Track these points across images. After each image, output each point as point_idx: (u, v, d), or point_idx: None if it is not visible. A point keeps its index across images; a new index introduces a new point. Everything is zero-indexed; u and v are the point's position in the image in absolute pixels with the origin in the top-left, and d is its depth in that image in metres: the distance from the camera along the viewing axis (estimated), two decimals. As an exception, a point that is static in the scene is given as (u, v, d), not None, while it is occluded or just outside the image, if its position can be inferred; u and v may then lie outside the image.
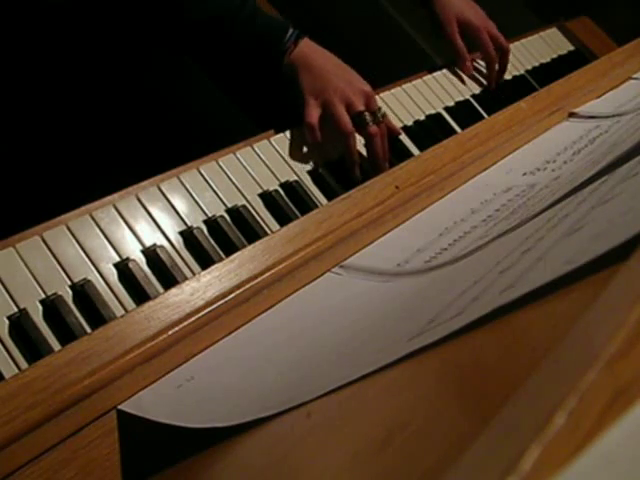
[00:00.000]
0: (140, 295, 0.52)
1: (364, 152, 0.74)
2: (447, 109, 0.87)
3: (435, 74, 0.91)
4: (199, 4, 0.68)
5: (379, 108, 0.73)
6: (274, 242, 0.51)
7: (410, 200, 0.60)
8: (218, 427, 0.32)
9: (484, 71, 0.96)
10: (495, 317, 0.25)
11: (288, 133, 0.71)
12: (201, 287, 0.46)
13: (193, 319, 0.44)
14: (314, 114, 0.69)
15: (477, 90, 0.94)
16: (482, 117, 0.89)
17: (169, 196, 0.60)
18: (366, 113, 0.70)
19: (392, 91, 0.84)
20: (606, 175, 0.41)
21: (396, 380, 0.27)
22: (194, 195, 0.61)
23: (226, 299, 0.46)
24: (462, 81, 0.94)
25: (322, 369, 0.34)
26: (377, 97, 0.81)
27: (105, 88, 0.77)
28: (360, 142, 0.73)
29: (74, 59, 0.75)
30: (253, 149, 0.68)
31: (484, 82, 0.96)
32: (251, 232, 0.61)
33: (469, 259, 0.43)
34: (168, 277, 0.54)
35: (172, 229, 0.58)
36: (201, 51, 0.73)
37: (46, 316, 0.48)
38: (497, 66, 0.94)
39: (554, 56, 1.11)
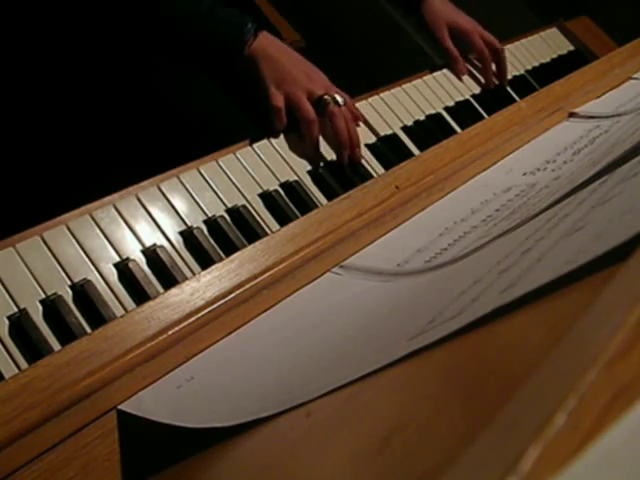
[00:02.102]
0: (140, 295, 0.52)
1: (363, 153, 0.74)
2: (447, 109, 0.87)
3: (435, 74, 0.91)
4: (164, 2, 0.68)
5: (339, 95, 0.73)
6: (274, 242, 0.51)
7: (410, 200, 0.60)
8: (218, 427, 0.32)
9: (482, 72, 0.96)
10: (495, 317, 0.25)
11: (288, 133, 0.71)
12: (201, 287, 0.46)
13: (193, 319, 0.44)
14: (280, 98, 0.70)
15: (477, 90, 0.94)
16: (482, 117, 0.89)
17: (169, 196, 0.60)
18: (326, 96, 0.71)
19: (392, 91, 0.84)
20: (606, 175, 0.41)
21: (396, 380, 0.27)
22: (194, 195, 0.61)
23: (226, 299, 0.46)
24: (462, 81, 0.94)
25: (322, 369, 0.34)
26: (377, 97, 0.82)
27: (105, 88, 0.77)
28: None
29: (74, 59, 0.75)
30: (253, 149, 0.68)
31: (484, 82, 0.96)
32: (251, 232, 0.61)
33: (469, 259, 0.43)
34: (168, 277, 0.54)
35: (172, 229, 0.58)
36: (170, 47, 0.73)
37: (46, 316, 0.48)
38: (493, 66, 0.95)
39: (554, 56, 1.10)
